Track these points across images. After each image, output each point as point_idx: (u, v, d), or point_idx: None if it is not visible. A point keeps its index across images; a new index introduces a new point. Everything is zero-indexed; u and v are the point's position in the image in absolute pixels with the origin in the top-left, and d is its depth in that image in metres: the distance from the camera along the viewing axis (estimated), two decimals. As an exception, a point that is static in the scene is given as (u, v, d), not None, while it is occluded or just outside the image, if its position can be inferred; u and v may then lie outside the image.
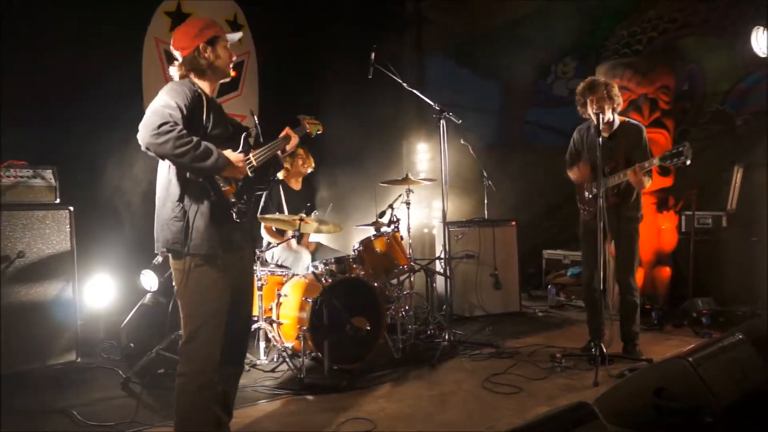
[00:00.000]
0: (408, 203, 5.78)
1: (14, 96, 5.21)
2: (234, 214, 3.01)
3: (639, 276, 6.26)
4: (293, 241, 5.59)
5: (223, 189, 2.99)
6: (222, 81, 3.26)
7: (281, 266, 5.51)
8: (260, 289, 4.86)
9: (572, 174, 5.15)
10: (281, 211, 5.47)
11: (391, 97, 7.42)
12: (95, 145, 5.33)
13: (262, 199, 5.81)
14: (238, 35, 3.30)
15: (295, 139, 3.43)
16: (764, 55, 5.92)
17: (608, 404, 3.14)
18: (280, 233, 5.61)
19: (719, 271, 6.11)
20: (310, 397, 4.20)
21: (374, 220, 5.74)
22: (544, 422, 2.31)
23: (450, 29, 9.02)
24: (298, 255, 5.49)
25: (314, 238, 6.01)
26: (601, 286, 4.70)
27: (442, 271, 5.97)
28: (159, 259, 4.80)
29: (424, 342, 5.42)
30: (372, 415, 3.84)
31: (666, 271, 6.40)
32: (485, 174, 7.06)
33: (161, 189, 3.05)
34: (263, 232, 5.75)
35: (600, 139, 4.56)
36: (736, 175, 6.40)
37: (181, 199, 2.97)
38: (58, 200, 5.09)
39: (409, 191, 5.77)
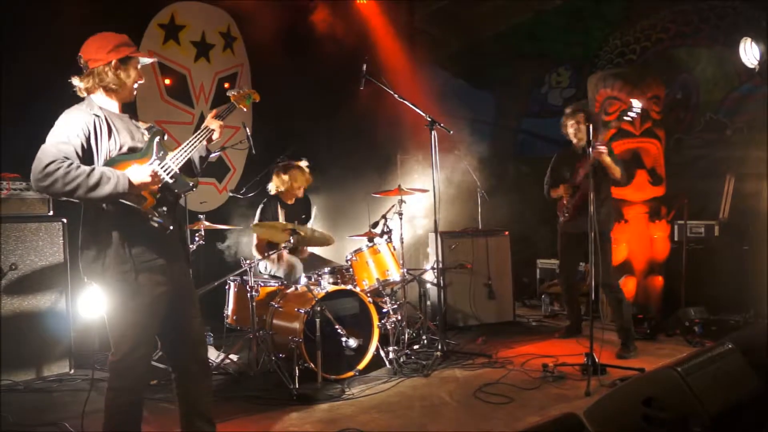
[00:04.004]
0: (401, 214, 5.79)
1: (6, 108, 5.24)
2: (156, 227, 2.93)
3: (631, 285, 6.30)
4: (285, 252, 5.59)
5: (136, 207, 2.89)
6: (124, 102, 3.15)
7: (274, 277, 5.52)
8: (253, 300, 4.87)
9: (554, 193, 5.68)
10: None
11: (384, 108, 7.45)
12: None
13: (258, 213, 5.82)
14: (150, 60, 3.25)
15: (218, 125, 3.26)
16: (752, 66, 5.97)
17: (598, 414, 3.14)
18: (272, 247, 5.60)
19: (711, 280, 6.13)
20: (302, 408, 4.19)
21: (367, 230, 5.76)
22: (530, 433, 2.33)
23: (443, 40, 9.07)
24: (291, 266, 5.49)
25: (308, 249, 6.02)
26: (593, 296, 4.72)
27: (435, 281, 5.99)
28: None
29: (417, 352, 5.42)
30: (364, 426, 3.84)
31: (658, 281, 6.41)
32: (479, 184, 7.09)
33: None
34: (253, 250, 5.74)
35: (588, 150, 4.74)
36: (728, 184, 6.43)
37: (90, 227, 2.91)
38: (51, 212, 5.12)
39: (401, 202, 5.79)
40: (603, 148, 5.08)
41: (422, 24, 9.15)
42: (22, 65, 5.39)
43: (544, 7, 8.47)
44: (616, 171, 5.24)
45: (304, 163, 5.82)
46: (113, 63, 3.00)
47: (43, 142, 2.83)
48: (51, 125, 2.90)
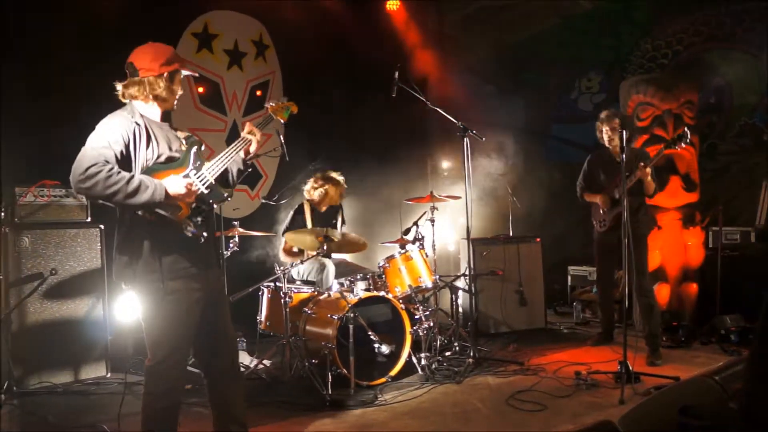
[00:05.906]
0: (432, 220, 5.80)
1: (45, 117, 5.37)
2: (190, 236, 2.96)
3: (665, 292, 6.22)
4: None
5: (170, 216, 2.92)
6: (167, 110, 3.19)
7: (307, 282, 5.56)
8: (286, 306, 4.91)
9: (589, 198, 5.68)
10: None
11: (416, 115, 7.47)
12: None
13: (288, 219, 5.88)
14: (191, 73, 3.31)
15: (255, 138, 3.28)
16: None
17: (633, 422, 3.11)
18: (300, 253, 5.66)
19: (748, 287, 6.02)
20: (335, 414, 4.22)
21: (399, 237, 5.78)
22: (567, 440, 2.33)
23: (473, 46, 9.06)
24: (324, 267, 5.53)
25: (340, 255, 6.06)
26: (627, 303, 4.68)
27: (466, 287, 5.98)
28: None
29: (449, 359, 5.43)
30: None
31: (693, 288, 6.32)
32: (510, 190, 7.08)
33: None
34: (281, 255, 5.81)
35: (622, 155, 4.67)
36: (764, 190, 6.33)
37: (125, 233, 2.96)
38: (89, 219, 5.23)
39: (433, 208, 5.80)
40: (648, 170, 5.11)
41: (452, 30, 9.17)
42: (59, 73, 5.51)
43: (573, 11, 8.43)
44: (651, 188, 5.27)
45: (339, 177, 5.90)
46: (165, 75, 3.06)
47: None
48: (90, 132, 2.95)
